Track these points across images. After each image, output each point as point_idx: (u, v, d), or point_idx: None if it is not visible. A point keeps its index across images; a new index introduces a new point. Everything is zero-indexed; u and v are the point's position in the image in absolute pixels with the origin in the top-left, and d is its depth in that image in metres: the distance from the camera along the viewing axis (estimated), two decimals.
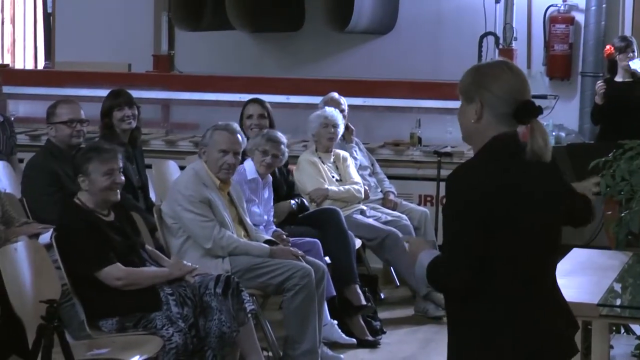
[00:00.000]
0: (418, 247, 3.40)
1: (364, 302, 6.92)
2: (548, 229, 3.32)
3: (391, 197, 8.12)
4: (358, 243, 7.37)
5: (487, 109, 3.25)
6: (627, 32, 9.59)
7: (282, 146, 6.83)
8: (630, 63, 8.66)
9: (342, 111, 8.04)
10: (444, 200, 3.32)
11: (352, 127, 8.28)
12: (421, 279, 3.34)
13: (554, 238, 3.37)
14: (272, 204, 6.86)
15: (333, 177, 7.72)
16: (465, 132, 3.34)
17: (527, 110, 3.24)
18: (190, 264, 5.73)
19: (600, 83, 8.77)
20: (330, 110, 7.75)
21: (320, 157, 7.73)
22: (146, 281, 5.46)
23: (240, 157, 6.30)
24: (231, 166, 6.17)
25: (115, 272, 5.35)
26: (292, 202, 7.19)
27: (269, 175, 6.89)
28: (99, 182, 5.43)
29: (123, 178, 5.57)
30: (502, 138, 3.26)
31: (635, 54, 8.78)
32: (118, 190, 5.51)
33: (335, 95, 8.19)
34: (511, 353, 3.23)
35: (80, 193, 5.50)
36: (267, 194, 6.83)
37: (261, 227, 6.61)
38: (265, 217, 6.75)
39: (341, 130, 7.75)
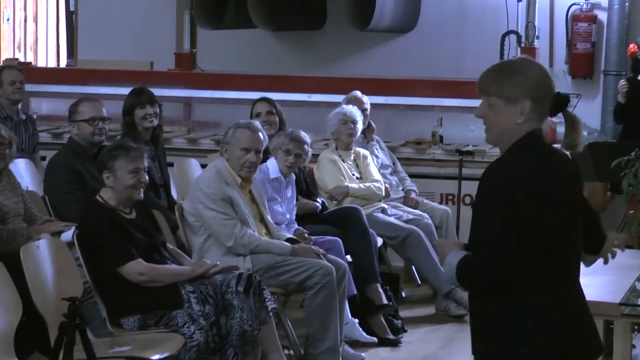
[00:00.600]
0: (446, 249, 3.39)
1: (385, 301, 6.91)
2: (575, 229, 3.35)
3: (412, 195, 8.11)
4: (379, 241, 7.37)
5: (535, 108, 3.28)
6: None
7: (306, 146, 6.83)
8: None
9: (364, 110, 8.05)
10: (479, 196, 3.28)
11: (373, 125, 8.28)
12: (448, 278, 3.32)
13: (578, 238, 3.38)
14: (294, 202, 6.87)
15: (353, 174, 7.71)
16: (499, 133, 3.33)
17: (561, 102, 3.33)
18: (210, 262, 5.74)
19: (622, 82, 8.73)
20: (348, 107, 7.75)
21: (340, 155, 7.73)
22: (168, 278, 5.47)
23: (261, 156, 6.31)
24: (253, 164, 6.17)
25: (138, 268, 5.37)
26: (318, 203, 7.20)
27: (292, 174, 6.89)
28: (125, 179, 5.45)
29: (147, 178, 5.59)
30: (535, 135, 3.31)
31: None
32: (142, 190, 5.53)
33: (358, 93, 8.18)
34: (544, 350, 3.23)
35: (102, 190, 5.51)
36: (290, 193, 6.84)
37: (282, 225, 6.62)
38: (288, 215, 6.76)
39: (360, 126, 7.75)
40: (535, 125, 3.31)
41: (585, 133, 9.38)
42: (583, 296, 3.41)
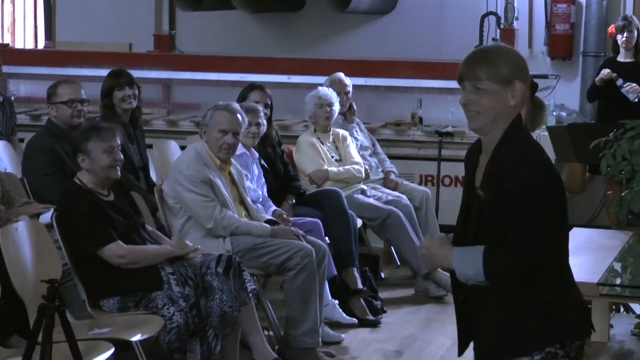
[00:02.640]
0: (440, 250, 3.33)
1: (360, 286, 6.93)
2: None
3: (392, 177, 8.12)
4: (359, 223, 7.38)
5: (525, 89, 3.31)
6: (629, 12, 9.57)
7: (260, 113, 6.83)
8: (623, 91, 8.64)
9: (347, 93, 8.06)
10: (508, 192, 3.23)
11: (355, 107, 8.27)
12: (465, 274, 3.26)
13: None
14: (263, 180, 6.86)
15: (332, 157, 7.72)
16: (493, 118, 3.31)
17: (534, 87, 3.39)
18: (192, 244, 5.74)
19: (607, 72, 8.71)
20: (324, 90, 7.75)
21: (319, 138, 7.73)
22: (148, 259, 5.47)
23: (240, 137, 6.29)
24: (231, 146, 6.17)
25: (117, 250, 5.37)
26: (289, 201, 7.18)
27: (256, 152, 6.87)
28: (100, 159, 5.44)
29: (122, 156, 5.58)
30: (520, 120, 3.34)
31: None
32: (118, 168, 5.52)
33: (341, 75, 8.17)
34: (562, 326, 3.30)
35: (79, 173, 5.50)
36: (257, 170, 6.84)
37: (260, 206, 6.61)
38: (260, 192, 6.75)
39: (337, 108, 7.74)
40: (520, 108, 3.33)
41: (564, 114, 9.45)
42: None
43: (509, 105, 3.29)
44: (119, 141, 5.56)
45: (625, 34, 8.75)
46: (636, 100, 8.61)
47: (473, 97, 3.31)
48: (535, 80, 3.42)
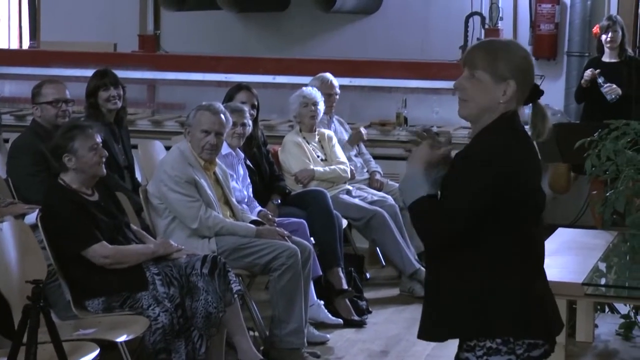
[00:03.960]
0: (422, 156, 3.32)
1: (345, 286, 6.92)
2: (541, 208, 3.37)
3: (377, 177, 8.13)
4: (344, 223, 7.38)
5: (519, 92, 3.31)
6: (613, 12, 9.59)
7: (246, 113, 6.83)
8: (603, 90, 8.67)
9: (335, 94, 8.06)
10: (452, 173, 3.27)
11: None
12: (405, 193, 3.30)
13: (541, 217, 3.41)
14: (248, 180, 6.85)
15: (318, 156, 7.72)
16: (479, 110, 3.31)
17: (536, 93, 3.38)
18: (176, 244, 5.74)
19: (590, 71, 8.74)
20: (307, 89, 7.75)
21: (304, 138, 7.73)
22: (132, 258, 5.46)
23: (223, 138, 6.28)
24: (213, 147, 6.16)
25: (101, 250, 5.35)
26: (275, 201, 7.17)
27: (241, 152, 6.87)
28: (88, 157, 5.43)
29: (106, 152, 5.57)
30: (511, 117, 3.32)
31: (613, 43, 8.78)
32: (103, 165, 5.52)
33: (328, 76, 8.15)
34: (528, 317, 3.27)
35: (63, 174, 5.48)
36: (243, 170, 6.83)
37: (245, 207, 6.61)
38: (245, 192, 6.75)
39: (322, 107, 7.74)
40: (512, 108, 3.31)
41: (549, 114, 9.47)
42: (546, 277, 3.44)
43: (497, 102, 3.29)
44: (99, 138, 5.55)
45: (609, 34, 8.77)
46: (614, 100, 8.64)
47: (465, 84, 3.32)
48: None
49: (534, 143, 3.39)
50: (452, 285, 3.30)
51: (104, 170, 5.54)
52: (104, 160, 5.52)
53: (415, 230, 3.34)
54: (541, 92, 3.38)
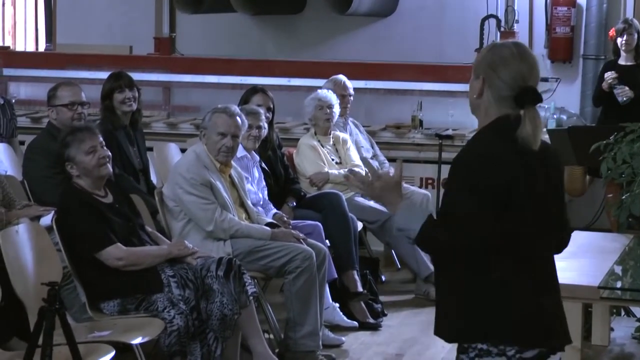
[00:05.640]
0: (392, 194, 3.34)
1: (360, 289, 6.91)
2: (547, 212, 3.33)
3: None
4: (359, 226, 7.37)
5: (488, 89, 3.30)
6: (629, 14, 9.55)
7: (262, 116, 6.83)
8: (615, 91, 8.65)
9: (349, 95, 8.05)
10: (453, 178, 3.28)
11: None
12: (408, 231, 3.28)
13: (551, 221, 3.38)
14: (264, 183, 6.86)
15: (333, 160, 7.72)
16: (470, 105, 3.39)
17: (526, 97, 3.27)
18: (191, 246, 5.74)
19: (610, 74, 8.71)
20: (323, 92, 7.75)
21: (319, 141, 7.73)
22: (147, 260, 5.47)
23: (239, 140, 6.29)
24: (229, 149, 6.16)
25: (116, 252, 5.36)
26: (290, 204, 7.17)
27: (256, 155, 6.87)
28: (85, 162, 5.43)
29: (108, 152, 5.55)
30: (505, 120, 3.28)
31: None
32: (108, 164, 5.50)
33: (342, 77, 8.16)
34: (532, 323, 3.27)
35: (75, 178, 5.49)
36: (258, 173, 6.83)
37: (261, 209, 6.61)
38: (260, 195, 6.75)
39: (337, 110, 7.74)
40: (505, 110, 3.28)
41: (564, 117, 9.45)
42: (557, 285, 3.42)
43: (473, 99, 3.33)
44: (100, 138, 5.54)
45: (625, 37, 8.75)
46: (625, 102, 8.62)
47: (470, 85, 3.39)
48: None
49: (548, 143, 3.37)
50: (452, 290, 3.34)
51: (109, 170, 5.52)
52: (106, 160, 5.50)
53: (432, 255, 3.37)
54: (536, 97, 3.28)
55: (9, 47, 12.23)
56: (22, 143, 7.63)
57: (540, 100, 3.29)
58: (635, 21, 8.88)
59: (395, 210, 3.31)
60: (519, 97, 3.27)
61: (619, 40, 8.81)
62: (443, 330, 3.42)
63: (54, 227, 5.36)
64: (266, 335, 5.98)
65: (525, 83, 3.28)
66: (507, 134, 3.25)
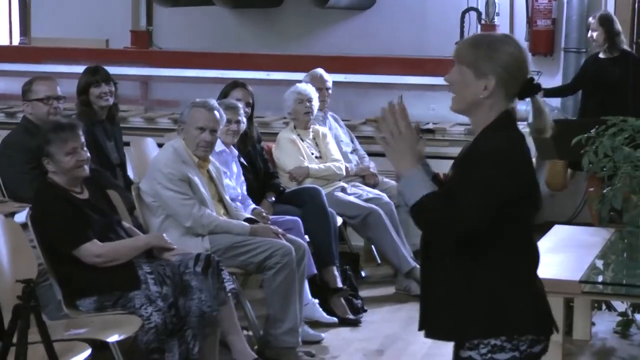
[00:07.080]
0: (405, 156, 3.26)
1: (340, 285, 6.88)
2: (539, 206, 3.34)
3: (371, 169, 8.09)
4: (339, 221, 7.33)
5: (501, 88, 3.25)
6: (610, 8, 9.56)
7: (240, 110, 6.78)
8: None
9: (327, 89, 8.01)
10: (456, 175, 3.24)
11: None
12: (408, 195, 3.22)
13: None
14: (242, 178, 6.81)
15: (312, 154, 7.67)
16: (465, 104, 3.30)
17: (531, 89, 3.29)
18: (170, 242, 5.68)
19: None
20: (302, 86, 7.71)
21: (299, 135, 7.68)
22: (125, 254, 5.40)
23: (217, 135, 6.23)
24: (208, 144, 6.11)
25: (93, 249, 5.30)
26: (269, 199, 7.12)
27: (235, 150, 6.81)
28: (63, 163, 5.36)
29: (88, 154, 5.48)
30: (507, 116, 3.28)
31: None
32: (85, 166, 5.43)
33: (320, 71, 8.12)
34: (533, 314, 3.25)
35: (50, 173, 5.42)
36: (237, 168, 6.78)
37: (239, 204, 6.56)
38: (239, 190, 6.70)
39: (316, 103, 7.70)
40: (502, 104, 3.27)
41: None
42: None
43: (479, 98, 3.26)
44: (82, 139, 5.46)
45: (589, 33, 8.86)
46: None
47: (452, 78, 3.32)
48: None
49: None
50: (456, 285, 3.25)
51: (86, 172, 5.44)
52: (84, 163, 5.41)
53: (423, 227, 3.28)
54: (537, 87, 3.30)
55: None
56: None
57: (540, 88, 3.32)
58: (600, 16, 8.82)
59: (407, 173, 3.22)
60: (524, 90, 3.27)
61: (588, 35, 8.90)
62: (439, 329, 3.34)
63: (29, 223, 5.29)
64: (245, 332, 5.93)
65: (527, 74, 3.30)
66: (516, 129, 3.28)
